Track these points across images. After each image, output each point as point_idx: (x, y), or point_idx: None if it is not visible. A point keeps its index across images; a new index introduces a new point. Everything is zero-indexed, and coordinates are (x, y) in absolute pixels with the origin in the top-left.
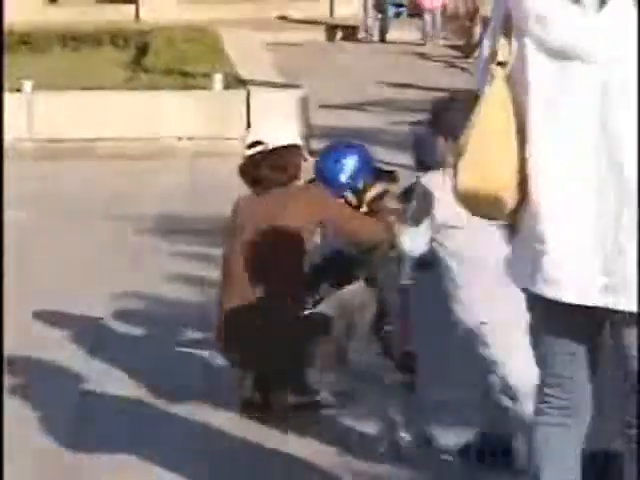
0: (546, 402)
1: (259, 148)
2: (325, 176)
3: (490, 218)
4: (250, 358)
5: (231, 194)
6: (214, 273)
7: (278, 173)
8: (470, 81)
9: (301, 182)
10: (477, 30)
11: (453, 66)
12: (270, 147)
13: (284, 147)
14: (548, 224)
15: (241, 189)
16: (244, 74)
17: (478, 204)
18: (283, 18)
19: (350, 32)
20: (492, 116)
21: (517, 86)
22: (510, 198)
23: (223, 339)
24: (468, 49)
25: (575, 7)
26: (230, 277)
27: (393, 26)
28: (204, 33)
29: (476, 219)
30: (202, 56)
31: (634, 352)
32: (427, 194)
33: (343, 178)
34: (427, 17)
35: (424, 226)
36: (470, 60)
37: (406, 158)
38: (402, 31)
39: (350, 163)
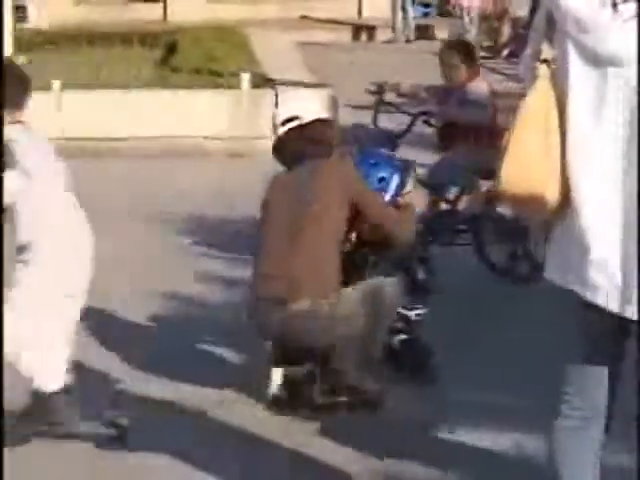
0: (567, 404)
1: (294, 123)
2: None
3: (531, 214)
4: (280, 354)
5: (259, 193)
6: (243, 273)
7: (314, 146)
8: (498, 81)
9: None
10: (505, 30)
11: (481, 66)
12: (305, 121)
13: (318, 120)
14: (589, 229)
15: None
16: (272, 73)
17: (519, 200)
18: (307, 18)
19: (376, 32)
20: (535, 114)
21: (560, 85)
22: (551, 196)
23: (255, 321)
24: (496, 49)
25: (612, 12)
26: (264, 252)
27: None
28: (231, 33)
29: None
30: (230, 55)
31: None
32: None
33: (387, 197)
34: (465, 17)
35: None
36: (499, 60)
37: (430, 157)
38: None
39: (394, 182)
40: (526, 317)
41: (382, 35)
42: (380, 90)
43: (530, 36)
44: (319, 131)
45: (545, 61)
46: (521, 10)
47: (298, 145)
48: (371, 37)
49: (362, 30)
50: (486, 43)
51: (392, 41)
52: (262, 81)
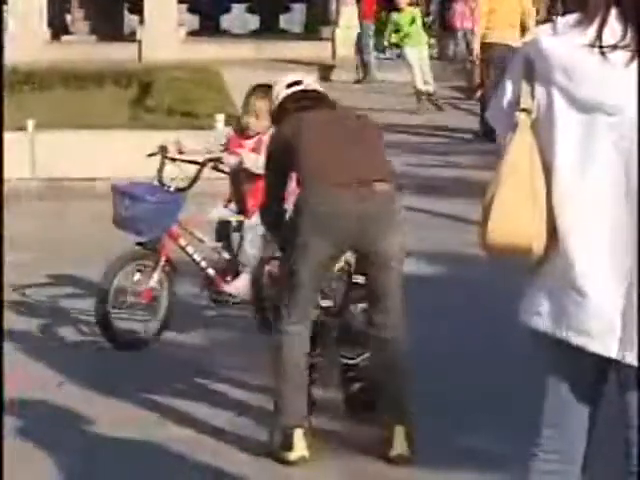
0: (542, 446)
1: (300, 87)
2: None
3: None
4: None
5: None
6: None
7: (321, 101)
8: (472, 122)
9: None
10: (478, 72)
11: (456, 107)
12: (309, 88)
13: (319, 91)
14: (583, 277)
15: None
16: None
17: (507, 253)
18: (281, 60)
19: (344, 73)
20: (519, 163)
21: (543, 133)
22: (539, 247)
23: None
24: (470, 91)
25: (600, 60)
26: (335, 166)
27: (390, 67)
28: (206, 73)
29: None
30: (204, 96)
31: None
32: None
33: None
34: (459, 35)
35: None
36: (472, 101)
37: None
38: (396, 72)
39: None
40: (500, 360)
41: (351, 75)
42: (163, 151)
43: (505, 84)
44: (322, 96)
45: (524, 110)
46: None
47: (304, 103)
48: (338, 77)
49: (331, 70)
50: (460, 84)
51: (361, 81)
52: (236, 121)
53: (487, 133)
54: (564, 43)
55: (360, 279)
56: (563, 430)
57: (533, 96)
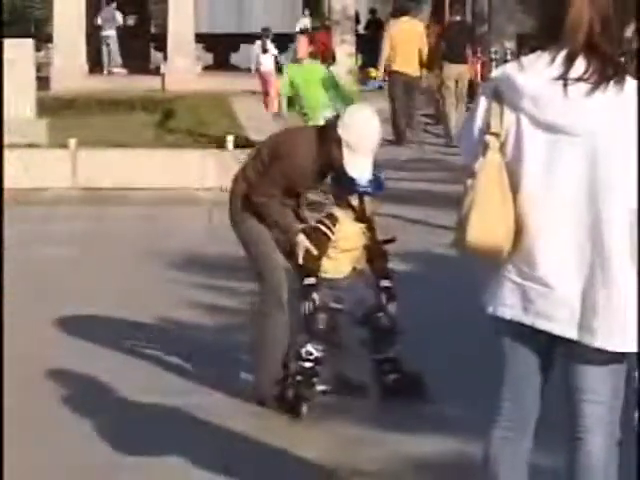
0: (501, 416)
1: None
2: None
3: (488, 260)
4: None
5: None
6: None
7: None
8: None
9: None
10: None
11: (427, 131)
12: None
13: None
14: (547, 269)
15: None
16: (252, 135)
17: (482, 254)
18: None
19: None
20: (491, 183)
21: (512, 154)
22: (508, 248)
23: None
24: (438, 116)
25: (562, 89)
26: None
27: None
28: (219, 101)
29: None
30: (217, 120)
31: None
32: None
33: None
34: None
35: None
36: (440, 126)
37: None
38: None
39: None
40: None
41: None
42: None
43: (476, 112)
44: None
45: (494, 134)
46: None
47: None
48: None
49: None
50: (429, 111)
51: None
52: (244, 142)
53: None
54: (532, 76)
55: (387, 283)
56: (520, 402)
57: (502, 121)
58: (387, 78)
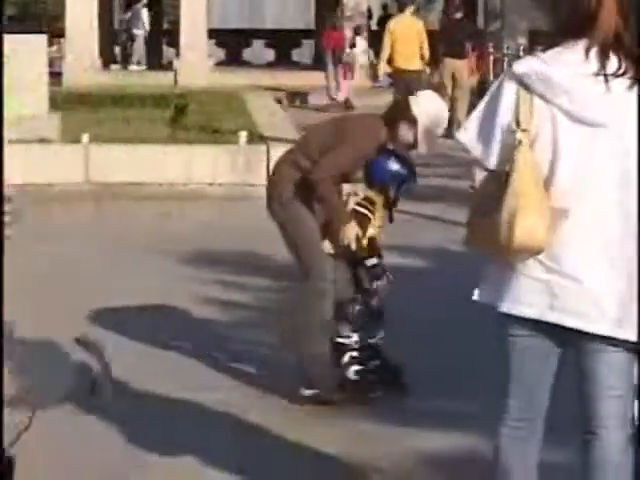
0: (511, 414)
1: None
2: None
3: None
4: None
5: (254, 231)
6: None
7: None
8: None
9: None
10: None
11: None
12: None
13: None
14: (576, 264)
15: (264, 225)
16: (264, 131)
17: (525, 254)
18: (290, 87)
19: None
20: (529, 182)
21: (545, 149)
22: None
23: None
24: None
25: (603, 85)
26: None
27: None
28: (231, 97)
29: None
30: (229, 116)
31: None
32: None
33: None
34: None
35: None
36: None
37: None
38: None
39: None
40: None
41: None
42: None
43: (495, 107)
44: None
45: (525, 130)
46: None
47: None
48: (347, 103)
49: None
50: None
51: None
52: (256, 138)
53: None
54: (565, 72)
55: (374, 260)
56: (531, 401)
57: (532, 117)
58: (390, 76)
